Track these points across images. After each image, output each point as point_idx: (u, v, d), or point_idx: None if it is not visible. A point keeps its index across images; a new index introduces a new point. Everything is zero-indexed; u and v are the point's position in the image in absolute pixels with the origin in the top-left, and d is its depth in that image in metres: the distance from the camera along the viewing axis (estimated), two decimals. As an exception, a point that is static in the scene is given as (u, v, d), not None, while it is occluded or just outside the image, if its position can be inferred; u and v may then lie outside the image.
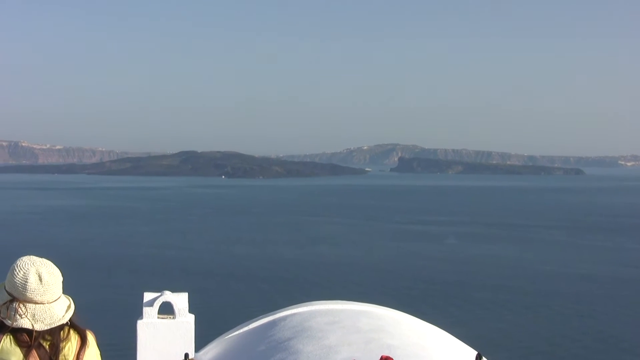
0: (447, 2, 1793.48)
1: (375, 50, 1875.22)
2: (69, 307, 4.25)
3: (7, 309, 4.11)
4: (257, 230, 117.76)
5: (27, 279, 4.10)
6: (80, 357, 4.23)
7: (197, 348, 10.02)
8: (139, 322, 9.42)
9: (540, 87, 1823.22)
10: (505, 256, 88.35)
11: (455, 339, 10.61)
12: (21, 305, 4.10)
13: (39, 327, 4.10)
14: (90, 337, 4.33)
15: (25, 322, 4.08)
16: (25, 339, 4.10)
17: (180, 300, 9.58)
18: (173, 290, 9.81)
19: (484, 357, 7.12)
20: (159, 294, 9.59)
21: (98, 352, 4.39)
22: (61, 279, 4.25)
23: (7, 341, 4.09)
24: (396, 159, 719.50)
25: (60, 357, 4.17)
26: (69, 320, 4.24)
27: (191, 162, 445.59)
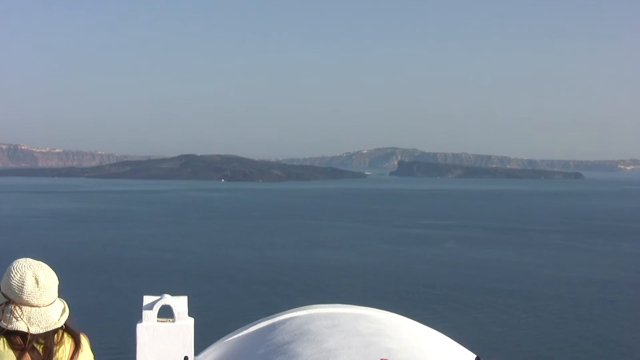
0: (448, 5, 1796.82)
1: (375, 54, 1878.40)
2: (64, 310, 4.22)
3: (2, 311, 4.08)
4: (256, 234, 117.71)
5: (23, 281, 4.07)
6: (74, 360, 4.22)
7: (197, 351, 10.02)
8: (139, 326, 9.41)
9: (540, 91, 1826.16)
10: (504, 260, 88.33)
11: (455, 342, 10.61)
12: (17, 308, 4.07)
13: (34, 330, 4.08)
14: (84, 341, 4.31)
15: (20, 325, 4.06)
16: (19, 341, 4.08)
17: (179, 303, 9.57)
18: (173, 294, 9.80)
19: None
20: (158, 297, 9.59)
21: (92, 356, 4.37)
22: (57, 282, 4.22)
23: (1, 344, 4.06)
24: (396, 162, 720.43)
25: (53, 361, 4.15)
26: (64, 324, 4.22)
27: (191, 166, 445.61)
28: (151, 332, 9.41)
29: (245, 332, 10.65)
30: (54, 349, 4.16)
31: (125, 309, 48.90)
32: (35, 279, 4.11)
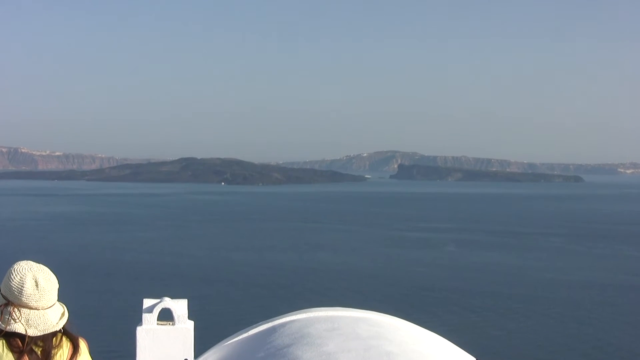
0: (448, 5, 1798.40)
1: (375, 54, 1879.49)
2: (63, 314, 4.23)
3: (1, 313, 4.09)
4: (256, 237, 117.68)
5: (23, 283, 4.08)
6: (72, 364, 4.22)
7: (197, 354, 10.02)
8: (138, 329, 9.41)
9: (540, 94, 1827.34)
10: (504, 263, 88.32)
11: (454, 345, 10.61)
12: (15, 310, 4.08)
13: (32, 332, 4.09)
14: (83, 345, 4.32)
15: (18, 327, 4.07)
16: (18, 344, 4.08)
17: (179, 306, 9.57)
18: (172, 297, 9.80)
19: (482, 364, 7.12)
20: (158, 300, 9.59)
21: None
22: (57, 285, 4.23)
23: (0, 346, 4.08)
24: (396, 165, 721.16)
25: (51, 364, 4.15)
26: (62, 327, 4.23)
27: (191, 169, 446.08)
28: (151, 335, 9.41)
29: (245, 335, 10.65)
30: (52, 352, 4.17)
31: (125, 312, 48.92)
32: (35, 281, 4.12)
